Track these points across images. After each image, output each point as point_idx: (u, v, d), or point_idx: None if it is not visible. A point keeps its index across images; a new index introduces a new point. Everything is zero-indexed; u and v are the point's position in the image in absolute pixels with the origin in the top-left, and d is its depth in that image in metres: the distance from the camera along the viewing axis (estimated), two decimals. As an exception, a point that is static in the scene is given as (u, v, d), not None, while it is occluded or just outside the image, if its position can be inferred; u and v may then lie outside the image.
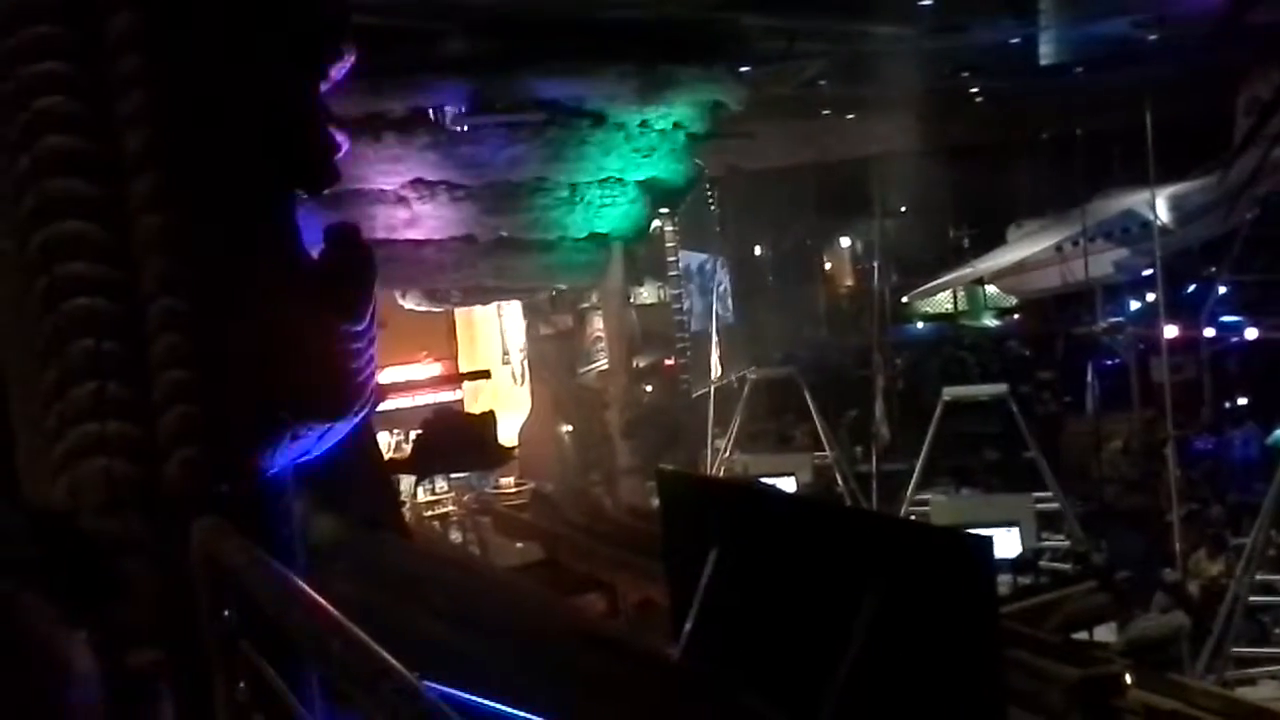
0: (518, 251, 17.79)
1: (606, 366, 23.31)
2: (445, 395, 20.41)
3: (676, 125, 18.01)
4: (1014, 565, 13.81)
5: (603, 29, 16.52)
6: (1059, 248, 25.88)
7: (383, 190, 16.95)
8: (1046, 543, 15.84)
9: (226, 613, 3.05)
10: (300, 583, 2.62)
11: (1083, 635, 11.43)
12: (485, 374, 20.13)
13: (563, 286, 21.20)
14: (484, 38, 16.20)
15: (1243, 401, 23.88)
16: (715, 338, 24.53)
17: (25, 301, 3.51)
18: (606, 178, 17.71)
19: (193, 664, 3.32)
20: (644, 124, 17.57)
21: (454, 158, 16.86)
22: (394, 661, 2.01)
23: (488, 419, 16.05)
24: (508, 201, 17.28)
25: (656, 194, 18.97)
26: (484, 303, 20.56)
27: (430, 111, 16.88)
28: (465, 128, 16.95)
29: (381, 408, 4.53)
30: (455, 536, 18.00)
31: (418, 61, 16.03)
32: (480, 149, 16.80)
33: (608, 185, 17.80)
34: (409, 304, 19.39)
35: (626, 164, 17.72)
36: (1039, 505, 15.91)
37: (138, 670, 3.44)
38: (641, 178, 18.17)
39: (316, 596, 2.45)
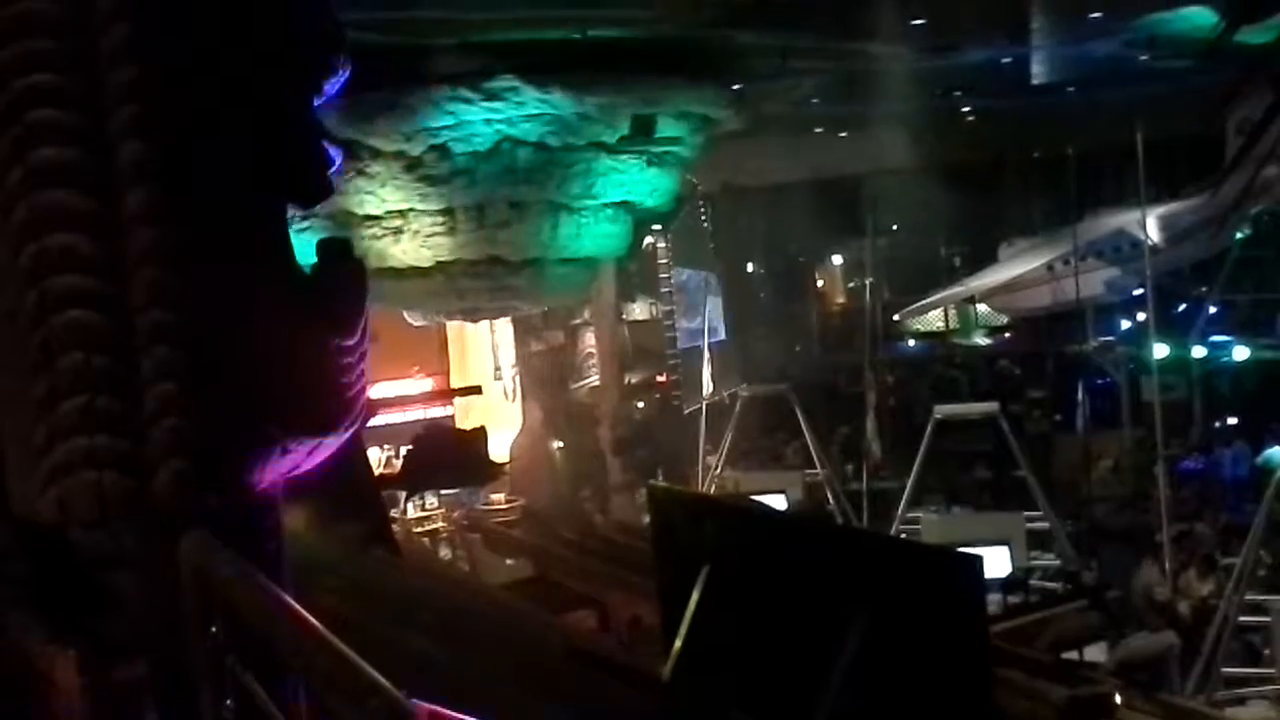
0: (502, 273, 17.66)
1: (598, 383, 23.33)
2: (436, 411, 20.39)
3: (664, 147, 17.94)
4: (1004, 584, 13.81)
5: (591, 48, 16.49)
6: (1050, 267, 25.96)
7: (369, 212, 16.91)
8: (1037, 561, 15.85)
9: (214, 628, 3.03)
10: (288, 598, 2.62)
11: (1073, 654, 11.44)
12: (476, 390, 20.10)
13: (547, 307, 21.12)
14: (472, 55, 16.16)
15: (1233, 421, 23.95)
16: (707, 354, 24.55)
17: (15, 315, 3.51)
18: (592, 199, 17.60)
19: (179, 679, 3.30)
20: (630, 145, 17.48)
21: (437, 178, 16.76)
22: (381, 678, 2.00)
23: (479, 435, 16.02)
24: (492, 223, 17.17)
25: (643, 215, 18.88)
26: (481, 319, 20.42)
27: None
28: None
29: (372, 423, 4.53)
30: (445, 553, 17.94)
31: (400, 79, 15.94)
32: (464, 169, 16.72)
33: (593, 207, 17.69)
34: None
35: (612, 185, 17.61)
36: (1030, 524, 15.92)
37: (124, 685, 3.42)
38: (627, 199, 18.07)
39: (304, 612, 2.44)
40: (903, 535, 15.41)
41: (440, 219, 16.96)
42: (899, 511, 17.18)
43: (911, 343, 32.43)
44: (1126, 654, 11.48)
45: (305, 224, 13.82)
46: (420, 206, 16.83)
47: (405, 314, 19.10)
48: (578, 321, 24.49)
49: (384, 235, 16.91)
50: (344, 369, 3.95)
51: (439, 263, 17.21)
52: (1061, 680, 8.36)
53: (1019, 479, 17.29)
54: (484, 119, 16.35)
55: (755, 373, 24.61)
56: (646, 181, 17.84)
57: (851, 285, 34.31)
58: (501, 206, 17.01)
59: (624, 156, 17.35)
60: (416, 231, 17.02)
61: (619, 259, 20.09)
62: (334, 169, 4.25)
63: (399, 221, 16.91)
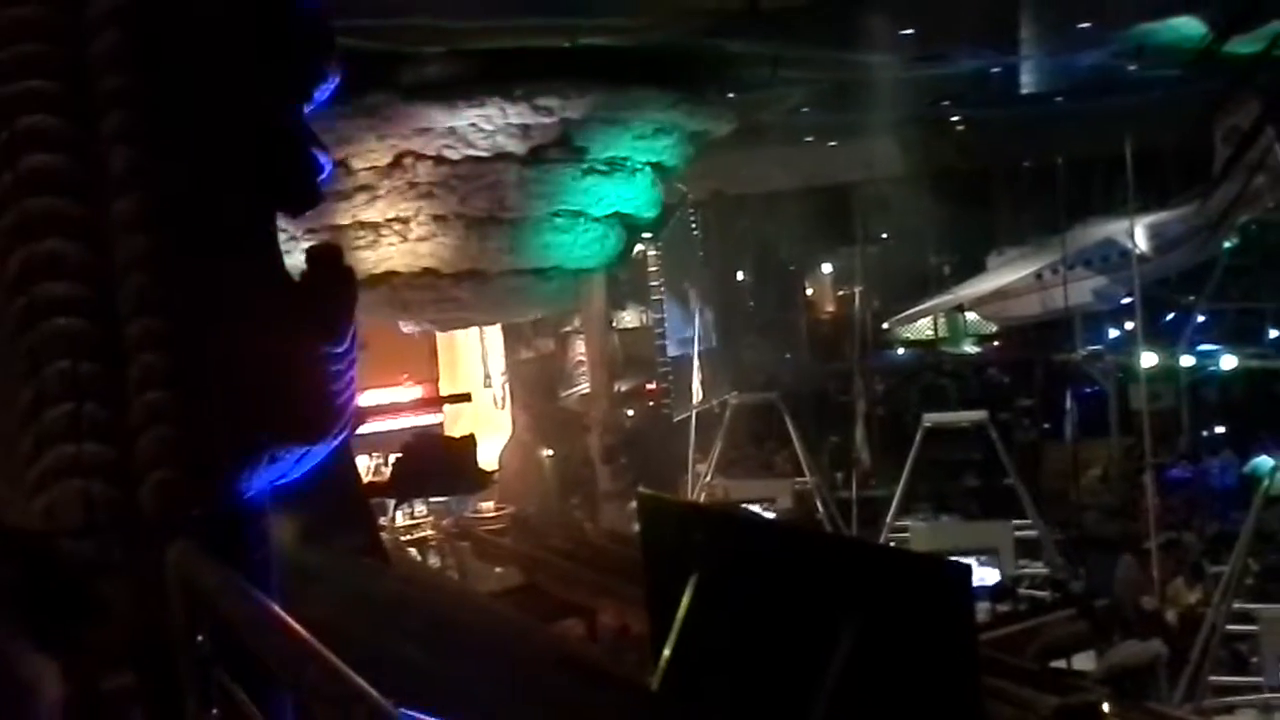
0: (487, 283, 17.58)
1: (588, 390, 23.31)
2: (426, 418, 20.38)
3: (650, 160, 17.80)
4: (993, 592, 13.84)
5: (579, 57, 16.44)
6: (1039, 275, 26.03)
7: (361, 222, 16.86)
8: (1025, 570, 15.89)
9: (201, 638, 3.02)
10: (276, 608, 2.61)
11: (1061, 663, 11.46)
12: (466, 397, 20.10)
13: (535, 316, 21.03)
14: (457, 63, 16.11)
15: (1220, 430, 24.03)
16: (697, 362, 24.56)
17: (2, 321, 3.49)
18: (577, 211, 17.47)
19: (166, 690, 3.29)
20: (615, 158, 17.35)
21: (426, 190, 16.69)
22: (369, 688, 1.99)
23: (468, 442, 15.99)
24: (479, 234, 17.09)
25: (629, 226, 18.75)
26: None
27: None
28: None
29: (362, 430, 4.52)
30: (434, 561, 17.91)
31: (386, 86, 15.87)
32: (453, 182, 16.65)
33: (578, 218, 17.56)
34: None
35: (597, 197, 17.49)
36: (1018, 532, 15.95)
37: (110, 696, 3.40)
38: (613, 211, 17.94)
39: (292, 622, 2.43)
40: (892, 543, 15.44)
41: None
42: (888, 520, 17.20)
43: (901, 351, 32.49)
44: (1115, 662, 11.50)
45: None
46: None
47: (400, 322, 19.08)
48: (568, 329, 24.51)
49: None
50: (333, 376, 3.94)
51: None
52: (1050, 689, 8.37)
53: (1007, 487, 17.32)
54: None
55: (745, 381, 24.63)
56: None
57: (841, 293, 34.33)
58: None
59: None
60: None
61: (600, 272, 19.89)
62: (324, 176, 4.24)
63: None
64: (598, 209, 17.83)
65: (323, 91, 4.21)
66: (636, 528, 7.86)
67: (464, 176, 16.74)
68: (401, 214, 16.84)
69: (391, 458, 16.35)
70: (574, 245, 17.97)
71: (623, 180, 17.83)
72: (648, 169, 18.12)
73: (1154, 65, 19.87)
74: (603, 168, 17.44)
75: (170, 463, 3.47)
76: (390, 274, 17.18)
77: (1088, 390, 24.33)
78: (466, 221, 17.06)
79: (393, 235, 16.93)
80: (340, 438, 4.02)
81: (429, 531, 18.69)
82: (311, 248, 4.18)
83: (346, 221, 16.76)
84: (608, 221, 18.17)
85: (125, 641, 3.42)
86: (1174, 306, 25.56)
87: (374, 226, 16.86)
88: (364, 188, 16.59)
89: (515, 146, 16.76)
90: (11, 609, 3.43)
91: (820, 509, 19.06)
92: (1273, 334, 25.78)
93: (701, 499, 19.10)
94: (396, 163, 16.55)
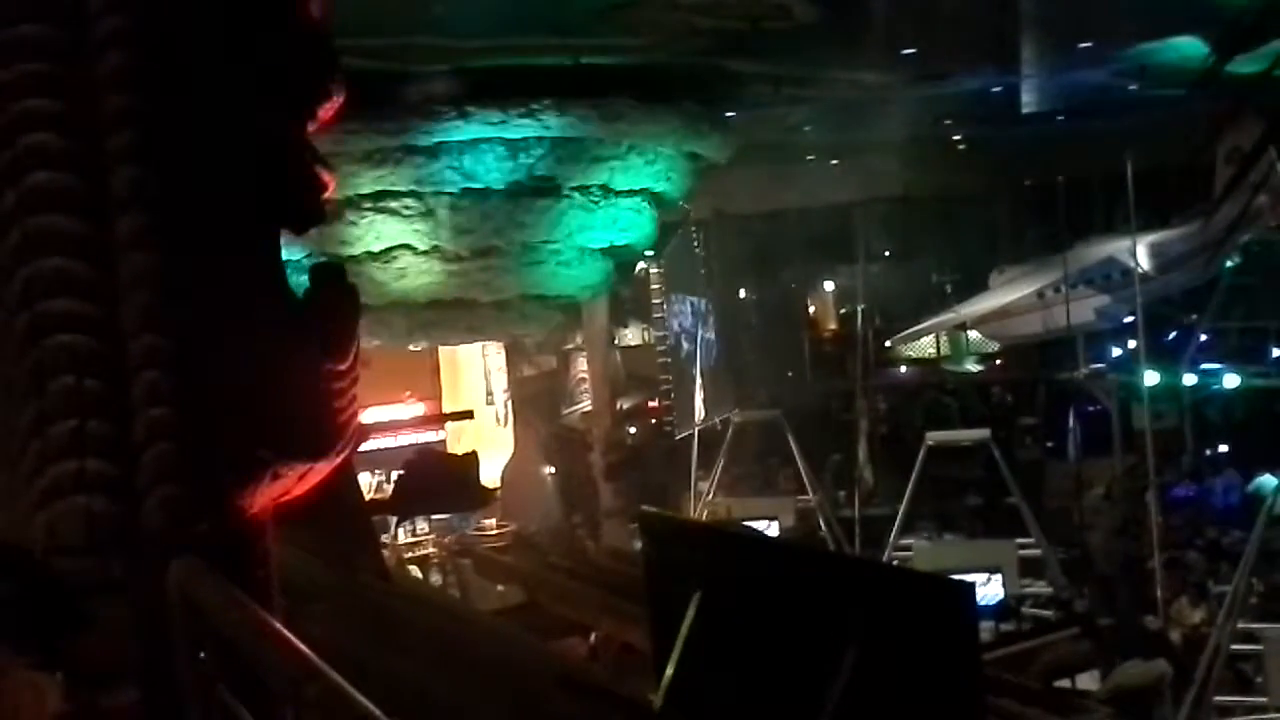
0: (475, 310, 17.50)
1: (590, 408, 23.32)
2: (428, 436, 20.33)
3: (646, 186, 17.69)
4: (996, 612, 13.79)
5: (575, 78, 16.40)
6: (1041, 294, 26.04)
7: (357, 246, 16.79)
8: (1029, 589, 15.84)
9: (203, 655, 3.02)
10: (277, 625, 2.61)
11: (1065, 683, 11.41)
12: (468, 415, 20.06)
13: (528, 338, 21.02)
14: (453, 84, 16.10)
15: (1224, 449, 24.01)
16: (699, 380, 24.56)
17: (7, 337, 3.50)
18: (568, 239, 17.31)
19: (168, 707, 3.28)
20: (609, 185, 17.25)
21: (417, 215, 16.64)
22: (371, 706, 1.99)
23: (470, 460, 15.93)
24: (468, 262, 17.01)
25: (624, 253, 18.60)
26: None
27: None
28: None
29: (363, 448, 4.52)
30: (436, 579, 17.88)
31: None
32: (443, 209, 16.60)
33: (570, 247, 17.41)
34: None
35: (590, 224, 17.33)
36: (1022, 551, 15.92)
37: (111, 713, 3.39)
38: (606, 239, 17.76)
39: (293, 639, 2.43)
40: (895, 562, 15.40)
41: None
42: (891, 538, 17.16)
43: (903, 369, 32.48)
44: (1119, 682, 11.45)
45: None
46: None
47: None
48: (570, 347, 24.53)
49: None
50: (336, 394, 3.95)
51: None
52: (1054, 708, 8.34)
53: (1011, 506, 17.29)
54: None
55: (747, 399, 24.60)
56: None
57: (843, 311, 34.33)
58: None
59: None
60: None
61: (597, 295, 19.79)
62: (327, 193, 4.25)
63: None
64: (590, 237, 17.63)
65: (326, 110, 4.23)
66: (638, 545, 7.85)
67: (455, 202, 16.67)
68: (392, 240, 16.74)
69: (393, 475, 16.33)
70: (566, 274, 17.72)
71: (617, 207, 17.68)
72: (643, 195, 17.98)
73: (1156, 85, 19.92)
74: (596, 194, 17.26)
75: (173, 479, 3.47)
76: (385, 301, 17.08)
77: (1090, 409, 24.30)
78: (455, 250, 16.94)
79: (385, 261, 16.84)
80: (342, 455, 4.02)
81: (431, 549, 18.65)
82: (315, 266, 4.19)
83: (346, 248, 16.66)
84: (601, 249, 17.99)
85: (126, 659, 3.42)
86: (1176, 325, 25.56)
87: (369, 252, 16.78)
88: (358, 211, 16.49)
89: (506, 171, 16.64)
90: (10, 625, 3.42)
91: (823, 527, 19.01)
92: (1275, 353, 25.78)
93: (704, 517, 19.06)
94: (389, 185, 16.46)
